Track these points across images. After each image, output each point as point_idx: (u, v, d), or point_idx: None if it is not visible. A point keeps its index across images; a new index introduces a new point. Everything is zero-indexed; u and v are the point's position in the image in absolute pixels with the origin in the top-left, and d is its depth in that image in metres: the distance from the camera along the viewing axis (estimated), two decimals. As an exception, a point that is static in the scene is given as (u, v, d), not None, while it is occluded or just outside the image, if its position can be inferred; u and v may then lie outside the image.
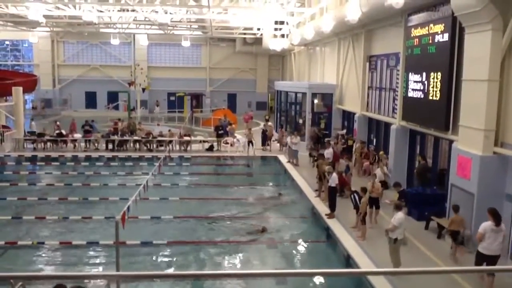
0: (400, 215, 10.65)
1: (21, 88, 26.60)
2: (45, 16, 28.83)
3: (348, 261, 11.54)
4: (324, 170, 15.87)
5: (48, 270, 11.21)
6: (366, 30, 20.79)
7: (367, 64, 21.24)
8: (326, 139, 23.72)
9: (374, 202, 13.47)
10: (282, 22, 32.58)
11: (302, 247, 12.99)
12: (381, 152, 18.68)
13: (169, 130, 26.25)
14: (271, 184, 19.94)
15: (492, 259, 9.40)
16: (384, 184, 13.76)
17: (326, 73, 28.61)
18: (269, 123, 27.72)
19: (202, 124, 35.10)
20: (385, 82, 19.45)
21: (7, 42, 46.36)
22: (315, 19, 26.20)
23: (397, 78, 17.76)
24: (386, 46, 19.29)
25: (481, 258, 9.52)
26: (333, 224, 13.65)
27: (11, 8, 26.11)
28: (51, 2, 23.13)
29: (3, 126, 27.11)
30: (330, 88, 25.99)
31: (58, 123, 27.33)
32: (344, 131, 24.42)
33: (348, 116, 24.98)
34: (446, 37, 13.62)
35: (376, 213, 13.55)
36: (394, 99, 18.28)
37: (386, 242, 10.96)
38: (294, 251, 12.77)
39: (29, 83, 33.31)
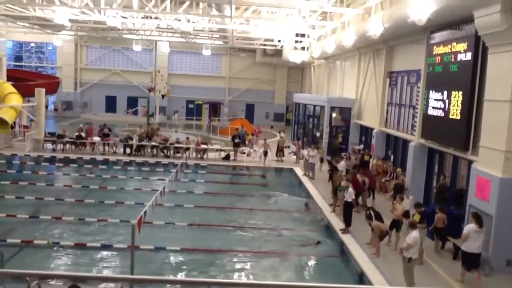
0: (415, 233, 10.52)
1: (43, 90, 27.08)
2: (71, 20, 29.37)
3: (361, 278, 11.43)
4: (339, 184, 15.83)
5: (62, 270, 11.31)
6: (388, 45, 20.76)
7: (388, 79, 21.18)
8: (342, 154, 23.68)
9: (395, 224, 13.18)
10: (303, 35, 32.69)
11: (315, 261, 12.89)
12: (398, 169, 18.56)
13: (187, 138, 26.41)
14: (286, 195, 19.89)
15: (474, 257, 10.71)
16: (407, 214, 13.46)
17: (345, 87, 28.58)
18: (282, 134, 27.86)
19: (219, 133, 35.28)
20: (405, 98, 19.35)
21: (32, 44, 47.36)
22: (336, 33, 26.25)
23: (418, 95, 17.66)
24: (407, 62, 19.22)
25: (464, 256, 10.89)
26: (348, 240, 13.56)
27: (38, 11, 26.65)
28: (77, 6, 23.56)
29: (24, 126, 27.60)
30: (349, 102, 25.97)
31: (81, 125, 27.60)
32: (361, 146, 24.31)
33: (366, 131, 24.88)
34: (468, 56, 13.53)
35: (396, 236, 13.10)
36: (413, 116, 18.17)
37: (400, 260, 10.86)
38: (306, 265, 12.68)
39: (52, 85, 34.04)
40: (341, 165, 19.17)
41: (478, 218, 10.75)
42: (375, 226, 12.70)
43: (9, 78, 29.46)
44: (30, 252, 12.34)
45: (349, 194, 14.29)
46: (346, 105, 26.09)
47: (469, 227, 10.81)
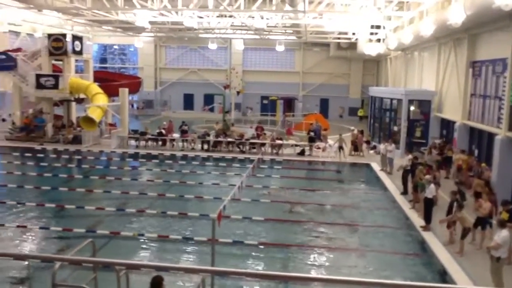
0: (505, 232, 9.97)
1: (127, 90, 28.50)
2: (150, 22, 30.70)
3: (444, 276, 11.03)
4: (420, 179, 15.33)
5: (147, 260, 11.92)
6: (470, 34, 19.71)
7: (470, 70, 20.12)
8: (422, 148, 22.88)
9: (480, 222, 12.50)
10: (378, 27, 31.80)
11: (395, 258, 12.59)
12: (483, 164, 17.61)
13: (265, 134, 26.73)
14: (362, 191, 19.57)
15: None
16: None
17: (424, 79, 27.53)
18: (352, 128, 27.56)
19: (294, 128, 35.28)
20: (490, 89, 18.31)
21: (115, 47, 50.00)
22: (414, 23, 25.32)
23: (504, 86, 16.63)
24: (492, 51, 18.16)
25: None
26: (429, 237, 13.11)
27: (120, 15, 28.10)
28: (156, 9, 24.55)
29: (110, 124, 29.24)
30: (428, 95, 24.97)
31: (165, 123, 28.89)
32: (441, 140, 23.30)
33: (447, 125, 23.81)
34: (563, 42, 12.56)
35: (482, 235, 12.43)
36: (499, 108, 17.15)
37: (486, 259, 10.35)
38: (385, 262, 12.42)
39: (134, 85, 35.69)
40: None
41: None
42: (460, 219, 12.13)
43: (95, 79, 31.29)
44: (117, 243, 13.11)
45: (430, 191, 13.80)
46: (425, 98, 25.09)
47: None
